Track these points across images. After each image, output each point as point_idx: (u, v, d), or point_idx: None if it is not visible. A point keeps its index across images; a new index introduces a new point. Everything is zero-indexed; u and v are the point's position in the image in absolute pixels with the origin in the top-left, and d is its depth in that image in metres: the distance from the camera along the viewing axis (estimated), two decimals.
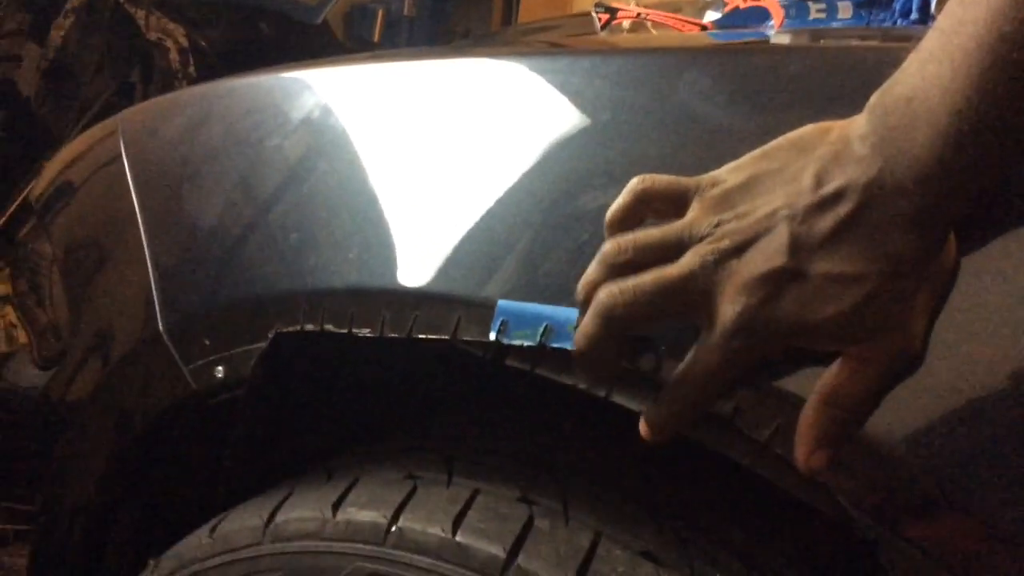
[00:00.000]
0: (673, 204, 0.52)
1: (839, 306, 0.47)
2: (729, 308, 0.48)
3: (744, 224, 0.49)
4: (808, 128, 0.49)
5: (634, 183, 0.54)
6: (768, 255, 0.47)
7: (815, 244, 0.47)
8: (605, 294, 0.52)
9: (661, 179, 0.53)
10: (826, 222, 0.46)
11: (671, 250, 0.51)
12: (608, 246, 0.53)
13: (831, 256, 0.46)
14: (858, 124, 0.47)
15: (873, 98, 0.47)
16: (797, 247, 0.47)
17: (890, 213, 0.45)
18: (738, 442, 0.55)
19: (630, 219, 0.54)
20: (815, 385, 0.50)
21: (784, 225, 0.47)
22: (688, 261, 0.50)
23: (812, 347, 0.50)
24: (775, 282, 0.47)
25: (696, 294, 0.49)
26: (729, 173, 0.51)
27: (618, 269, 0.52)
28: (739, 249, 0.48)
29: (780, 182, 0.48)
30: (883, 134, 0.45)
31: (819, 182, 0.47)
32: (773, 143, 0.50)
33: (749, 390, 0.53)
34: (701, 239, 0.50)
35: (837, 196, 0.46)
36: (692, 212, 0.51)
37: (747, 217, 0.49)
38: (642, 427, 0.54)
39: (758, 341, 0.48)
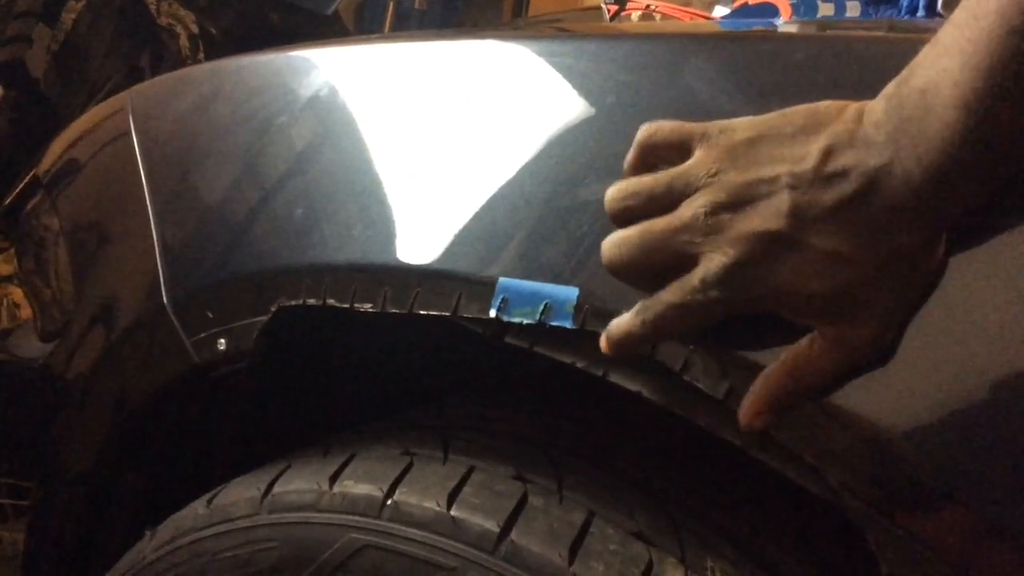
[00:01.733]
0: (677, 151, 0.52)
1: (826, 283, 0.47)
2: (716, 258, 0.49)
3: (744, 179, 0.49)
4: (825, 103, 0.49)
5: (640, 131, 0.54)
6: (766, 216, 0.48)
7: (815, 216, 0.47)
8: (603, 247, 0.53)
9: (666, 125, 0.53)
10: (829, 197, 0.47)
11: (666, 197, 0.51)
12: (607, 193, 0.54)
13: (828, 232, 0.47)
14: (874, 110, 0.47)
15: (890, 87, 0.47)
16: (797, 215, 0.47)
17: (893, 202, 0.45)
18: (732, 424, 0.56)
19: (640, 169, 0.54)
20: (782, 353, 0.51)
21: (787, 192, 0.47)
22: (679, 213, 0.50)
23: (787, 316, 0.50)
24: (769, 243, 0.48)
25: (685, 245, 0.50)
26: (740, 125, 0.51)
27: (619, 218, 0.53)
28: (735, 205, 0.49)
29: (789, 147, 0.48)
30: (897, 124, 0.45)
31: (827, 157, 0.47)
32: (790, 109, 0.50)
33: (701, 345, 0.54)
34: (697, 189, 0.50)
35: (843, 174, 0.46)
36: (694, 158, 0.51)
37: (748, 173, 0.49)
38: (602, 339, 0.55)
39: (737, 296, 0.49)
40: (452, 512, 0.61)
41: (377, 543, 0.62)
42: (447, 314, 0.63)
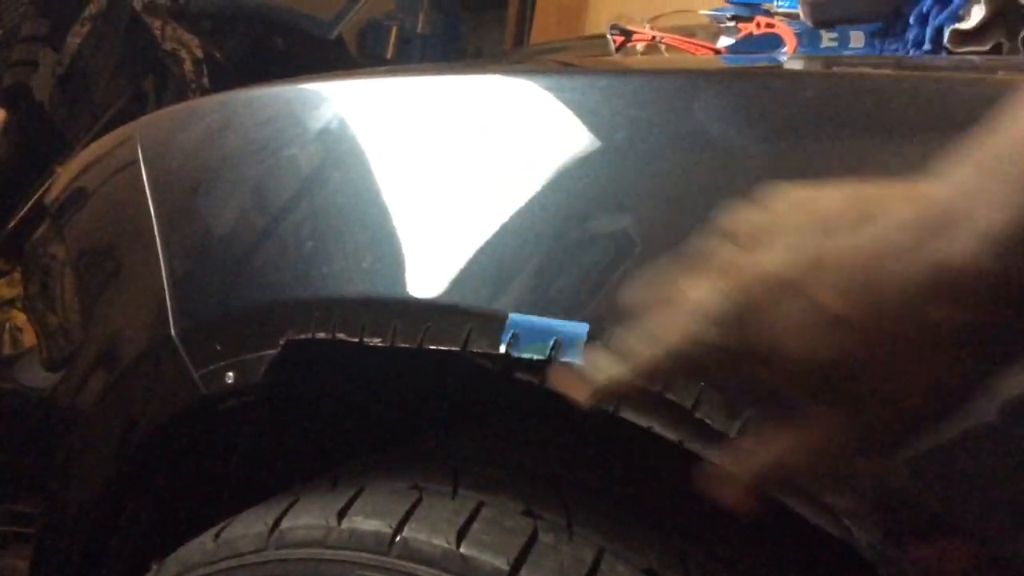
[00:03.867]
0: None
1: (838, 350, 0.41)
2: (715, 295, 0.43)
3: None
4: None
5: None
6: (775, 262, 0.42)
7: (831, 271, 0.42)
8: None
9: None
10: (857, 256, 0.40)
11: None
12: None
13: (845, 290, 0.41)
14: None
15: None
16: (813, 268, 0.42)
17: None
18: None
19: None
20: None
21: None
22: None
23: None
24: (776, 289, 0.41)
25: None
26: None
27: None
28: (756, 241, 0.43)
29: None
30: None
31: None
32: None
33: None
34: None
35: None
36: None
37: None
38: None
39: (729, 344, 0.43)
40: (461, 549, 0.60)
41: None
42: (457, 349, 0.63)
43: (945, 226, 0.37)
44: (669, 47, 1.05)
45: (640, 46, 1.07)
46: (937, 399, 0.41)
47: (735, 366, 0.44)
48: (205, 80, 2.50)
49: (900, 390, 0.40)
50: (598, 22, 2.71)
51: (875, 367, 0.40)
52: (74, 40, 2.41)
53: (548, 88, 0.69)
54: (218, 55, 2.55)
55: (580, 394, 0.49)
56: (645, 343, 0.45)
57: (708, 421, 0.55)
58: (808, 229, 0.41)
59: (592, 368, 0.48)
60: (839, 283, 0.39)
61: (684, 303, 0.44)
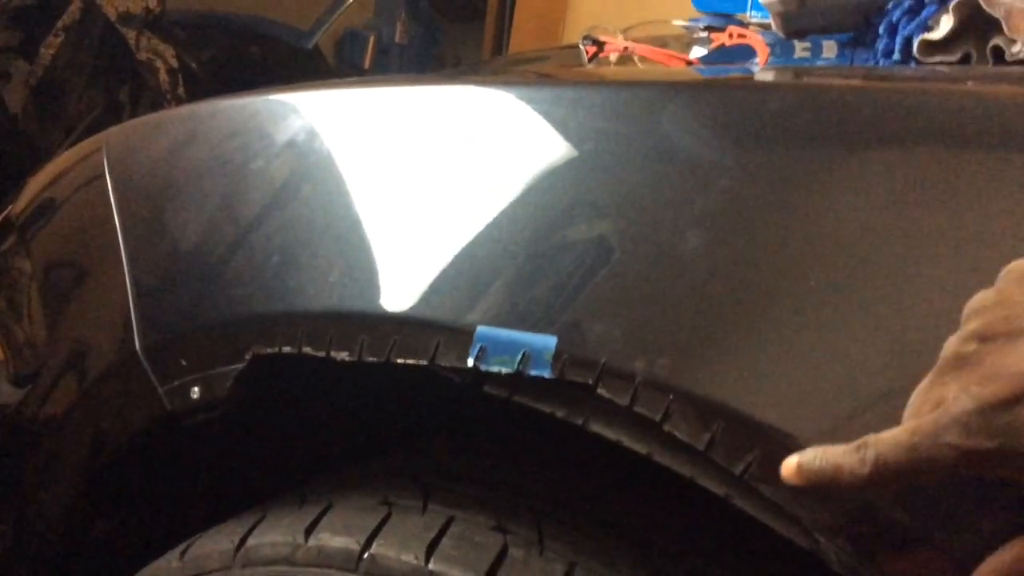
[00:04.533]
0: None
1: None
2: (960, 397, 0.41)
3: (1007, 312, 0.42)
4: None
5: None
6: None
7: None
8: None
9: None
10: None
11: None
12: None
13: None
14: None
15: None
16: None
17: None
18: (714, 473, 0.55)
19: None
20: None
21: None
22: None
23: None
24: None
25: (935, 387, 0.44)
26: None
27: None
28: (992, 336, 0.42)
29: None
30: None
31: None
32: None
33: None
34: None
35: None
36: None
37: (1016, 306, 0.42)
38: (790, 464, 0.47)
39: (976, 445, 0.41)
40: (431, 565, 0.60)
41: None
42: (425, 363, 0.62)
43: None
44: (641, 58, 1.05)
45: (613, 57, 1.07)
46: None
47: (998, 467, 0.42)
48: (181, 90, 2.49)
49: None
50: (576, 31, 2.72)
51: None
52: (47, 51, 2.39)
53: (518, 99, 0.69)
54: (194, 65, 2.54)
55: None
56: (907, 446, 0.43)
57: (677, 434, 0.55)
58: None
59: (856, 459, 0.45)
60: None
61: (949, 407, 0.42)
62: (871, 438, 0.44)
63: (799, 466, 0.46)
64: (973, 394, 0.40)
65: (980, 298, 0.44)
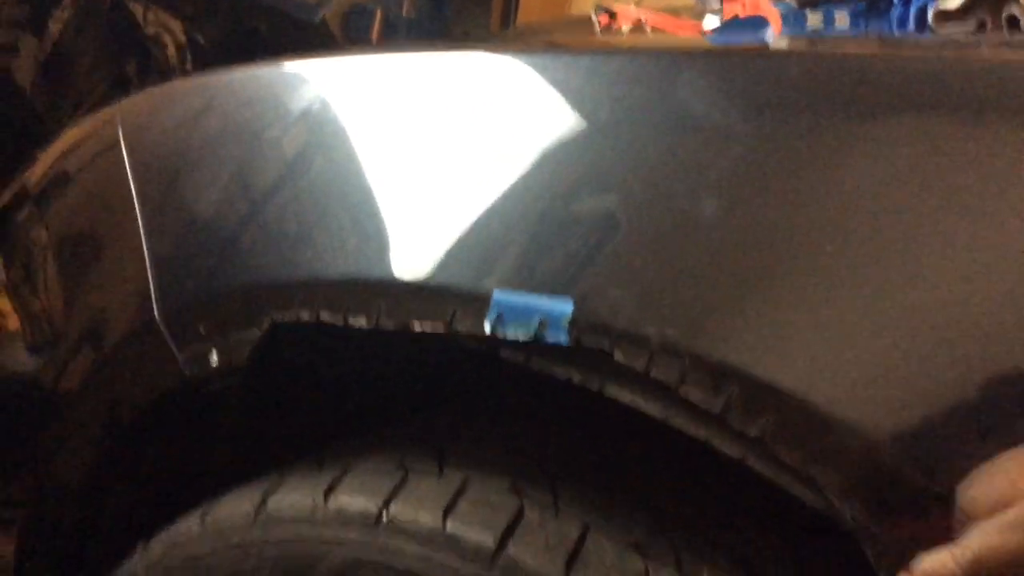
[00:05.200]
0: None
1: None
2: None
3: None
4: None
5: None
6: None
7: None
8: None
9: None
10: None
11: None
12: None
13: None
14: None
15: None
16: None
17: None
18: (729, 436, 0.56)
19: None
20: None
21: None
22: None
23: None
24: None
25: None
26: None
27: None
28: None
29: None
30: None
31: None
32: None
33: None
34: None
35: None
36: None
37: None
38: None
39: None
40: (447, 526, 0.61)
41: (372, 558, 0.62)
42: (441, 329, 0.63)
43: None
44: (654, 28, 1.04)
45: (625, 27, 1.07)
46: None
47: None
48: (188, 65, 2.48)
49: None
50: (583, 4, 2.70)
51: None
52: (55, 25, 2.39)
53: (532, 67, 0.69)
54: (201, 39, 2.53)
55: None
56: None
57: (692, 398, 0.55)
58: None
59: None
60: None
61: None
62: (965, 540, 0.48)
63: None
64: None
65: None
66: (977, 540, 0.47)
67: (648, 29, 1.06)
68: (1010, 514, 0.46)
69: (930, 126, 0.55)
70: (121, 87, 2.43)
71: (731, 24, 1.04)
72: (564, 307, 0.59)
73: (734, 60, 0.65)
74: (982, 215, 0.52)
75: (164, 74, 2.41)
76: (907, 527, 0.51)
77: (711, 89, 0.61)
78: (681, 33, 1.03)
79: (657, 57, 0.68)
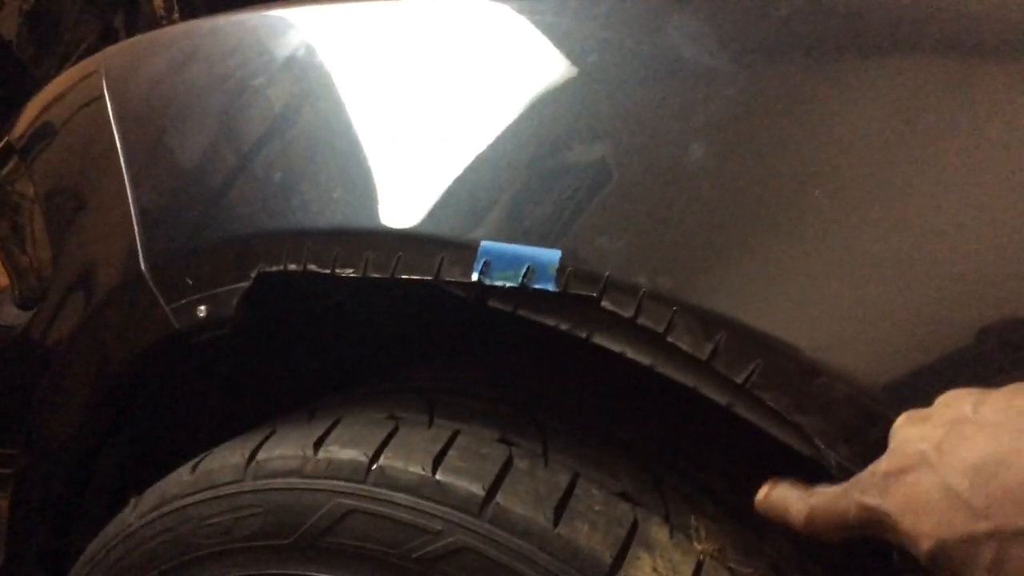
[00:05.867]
0: None
1: None
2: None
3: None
4: None
5: None
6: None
7: None
8: None
9: None
10: None
11: None
12: None
13: None
14: None
15: None
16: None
17: None
18: (717, 383, 0.56)
19: None
20: None
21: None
22: None
23: None
24: None
25: None
26: None
27: None
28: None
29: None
30: None
31: None
32: None
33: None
34: None
35: None
36: None
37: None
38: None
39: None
40: (437, 476, 0.61)
41: (363, 508, 0.62)
42: (429, 278, 0.63)
43: None
44: None
45: None
46: None
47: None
48: (176, 16, 2.45)
49: None
50: None
51: None
52: None
53: (520, 11, 0.68)
54: None
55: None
56: None
57: (680, 345, 0.55)
58: None
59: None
60: None
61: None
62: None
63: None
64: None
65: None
66: (830, 493, 0.49)
67: None
68: (862, 477, 0.47)
69: (921, 67, 0.55)
70: (108, 39, 2.40)
71: None
72: (552, 255, 0.59)
73: (726, 1, 0.64)
74: (977, 158, 0.51)
75: (152, 26, 2.37)
76: None
77: (702, 30, 0.60)
78: None
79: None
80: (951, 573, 0.42)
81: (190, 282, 0.74)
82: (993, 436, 0.41)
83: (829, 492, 0.49)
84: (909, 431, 0.46)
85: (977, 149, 0.51)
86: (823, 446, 0.52)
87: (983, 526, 0.40)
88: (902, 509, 0.44)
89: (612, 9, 0.64)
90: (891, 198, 0.52)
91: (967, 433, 0.42)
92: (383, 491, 0.62)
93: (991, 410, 0.43)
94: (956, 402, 0.45)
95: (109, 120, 0.85)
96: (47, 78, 2.29)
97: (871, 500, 0.46)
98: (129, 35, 2.40)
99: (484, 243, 0.61)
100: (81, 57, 2.29)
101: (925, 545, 0.43)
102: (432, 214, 0.63)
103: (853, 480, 0.48)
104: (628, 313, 0.57)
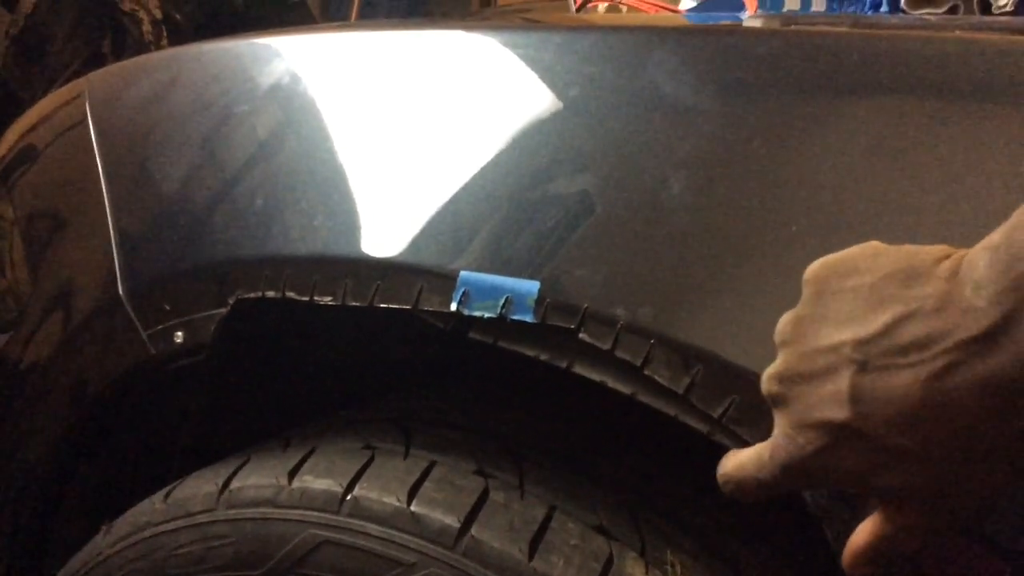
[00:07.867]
0: None
1: (901, 479, 0.40)
2: (779, 443, 0.44)
3: (804, 348, 0.43)
4: (925, 249, 0.41)
5: None
6: (825, 401, 0.41)
7: (880, 403, 0.40)
8: None
9: None
10: (899, 380, 0.39)
11: None
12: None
13: (896, 424, 0.39)
14: (974, 265, 0.37)
15: (996, 235, 0.37)
16: (858, 401, 0.40)
17: (985, 377, 0.37)
18: (696, 413, 0.56)
19: None
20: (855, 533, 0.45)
21: (849, 368, 0.40)
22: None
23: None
24: (831, 434, 0.41)
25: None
26: (813, 270, 0.45)
27: None
28: (796, 378, 0.43)
29: (862, 305, 0.41)
30: (1006, 283, 0.36)
31: (902, 323, 0.39)
32: (883, 250, 0.42)
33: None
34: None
35: (922, 347, 0.38)
36: None
37: (808, 340, 0.43)
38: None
39: (799, 483, 0.45)
40: (412, 507, 0.60)
41: (336, 539, 0.61)
42: (408, 307, 0.62)
43: None
44: (630, 7, 1.04)
45: (601, 7, 1.06)
46: None
47: None
48: (164, 41, 2.46)
49: None
50: None
51: None
52: (28, 0, 2.35)
53: (504, 44, 0.68)
54: (177, 16, 2.50)
55: None
56: None
57: (658, 378, 0.55)
58: None
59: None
60: None
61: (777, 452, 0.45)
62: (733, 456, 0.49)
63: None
64: (788, 442, 0.44)
65: (781, 327, 0.45)
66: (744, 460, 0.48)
67: (624, 8, 1.05)
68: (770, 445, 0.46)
69: (902, 106, 0.55)
70: (95, 63, 2.40)
71: (707, 4, 1.04)
72: (530, 286, 0.59)
73: (707, 39, 0.64)
74: (953, 196, 0.52)
75: (140, 51, 2.38)
76: (865, 507, 0.51)
77: (684, 67, 0.61)
78: (656, 12, 1.02)
79: (630, 35, 0.68)
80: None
81: (167, 308, 0.73)
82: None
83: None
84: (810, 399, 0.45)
85: (955, 186, 0.52)
86: None
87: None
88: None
89: (594, 44, 0.65)
90: (868, 235, 0.52)
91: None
92: (357, 522, 0.61)
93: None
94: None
95: (92, 144, 0.84)
96: (34, 101, 2.28)
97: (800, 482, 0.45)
98: (117, 59, 2.41)
99: (463, 273, 0.61)
100: (68, 81, 2.29)
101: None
102: (412, 243, 0.64)
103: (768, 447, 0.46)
104: (606, 345, 0.57)
